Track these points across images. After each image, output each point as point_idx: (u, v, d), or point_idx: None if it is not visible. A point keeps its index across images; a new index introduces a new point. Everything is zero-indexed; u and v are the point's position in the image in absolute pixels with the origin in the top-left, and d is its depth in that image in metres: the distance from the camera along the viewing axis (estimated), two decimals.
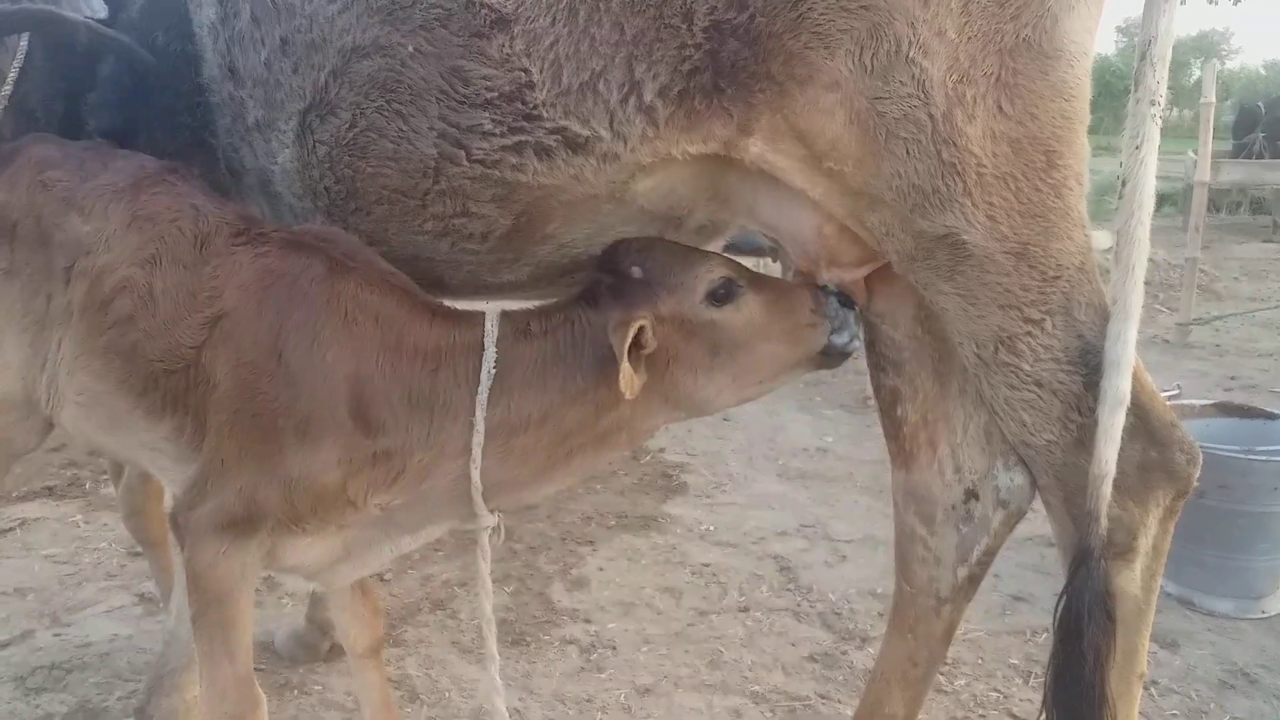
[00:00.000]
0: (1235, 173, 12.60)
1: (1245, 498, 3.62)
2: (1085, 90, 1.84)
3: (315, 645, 3.45)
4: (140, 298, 1.96)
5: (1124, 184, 1.89)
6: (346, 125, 2.02)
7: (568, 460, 2.01)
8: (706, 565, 4.13)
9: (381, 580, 4.00)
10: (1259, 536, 3.67)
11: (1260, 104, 14.59)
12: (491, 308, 2.04)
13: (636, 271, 1.98)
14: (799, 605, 3.79)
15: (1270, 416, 3.98)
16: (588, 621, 3.70)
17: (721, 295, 1.96)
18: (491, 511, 2.03)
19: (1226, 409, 4.11)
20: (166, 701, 2.74)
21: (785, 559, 4.19)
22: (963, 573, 2.24)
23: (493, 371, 1.92)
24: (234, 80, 2.22)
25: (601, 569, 4.14)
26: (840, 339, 2.05)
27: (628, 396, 1.80)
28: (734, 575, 4.04)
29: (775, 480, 5.17)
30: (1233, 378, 7.16)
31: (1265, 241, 14.24)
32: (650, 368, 1.91)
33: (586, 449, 2.01)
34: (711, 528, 4.54)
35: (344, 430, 1.87)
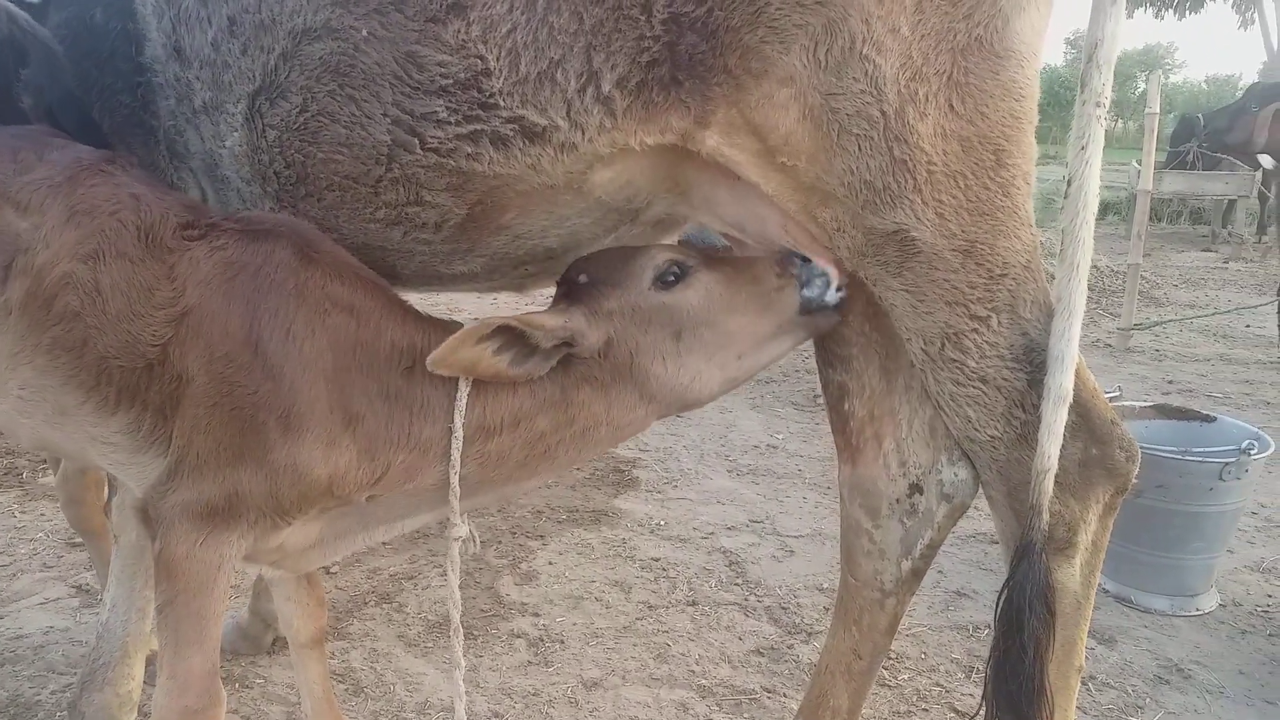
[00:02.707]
0: (1177, 183, 12.92)
1: (1181, 497, 3.71)
2: (1034, 91, 1.87)
3: (258, 638, 3.40)
4: (86, 293, 1.92)
5: (1070, 183, 1.92)
6: (297, 109, 1.99)
7: (549, 457, 2.02)
8: (656, 560, 4.15)
9: (327, 573, 3.96)
10: (1193, 535, 3.77)
11: (1200, 116, 14.94)
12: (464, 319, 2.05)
13: (583, 278, 2.00)
14: (746, 599, 3.82)
15: (1206, 419, 4.08)
16: (536, 615, 3.69)
17: (670, 279, 1.97)
18: (465, 515, 2.04)
19: (1165, 411, 4.21)
20: (99, 696, 2.68)
21: (734, 554, 4.22)
22: (906, 566, 2.27)
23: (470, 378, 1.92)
24: (180, 61, 2.17)
25: (551, 563, 4.13)
26: (811, 292, 2.02)
27: (429, 366, 1.83)
28: (683, 570, 4.06)
29: (726, 476, 5.20)
30: (1171, 381, 7.34)
31: (1204, 250, 14.62)
32: (613, 363, 1.95)
33: (567, 445, 2.01)
34: (662, 523, 4.55)
35: (327, 423, 1.86)
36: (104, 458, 2.06)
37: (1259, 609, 3.84)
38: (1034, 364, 1.97)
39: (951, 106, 1.82)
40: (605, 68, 1.85)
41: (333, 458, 1.87)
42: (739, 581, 3.96)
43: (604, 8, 1.81)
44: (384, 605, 3.77)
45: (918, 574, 2.29)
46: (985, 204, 1.88)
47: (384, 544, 4.25)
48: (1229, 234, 14.86)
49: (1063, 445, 1.94)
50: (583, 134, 1.92)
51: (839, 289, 2.03)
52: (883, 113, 1.81)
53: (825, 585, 3.91)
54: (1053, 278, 1.97)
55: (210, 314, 1.88)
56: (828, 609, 3.70)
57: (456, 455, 1.92)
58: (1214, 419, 4.07)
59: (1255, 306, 8.42)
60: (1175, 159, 14.34)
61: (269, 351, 1.85)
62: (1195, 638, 3.63)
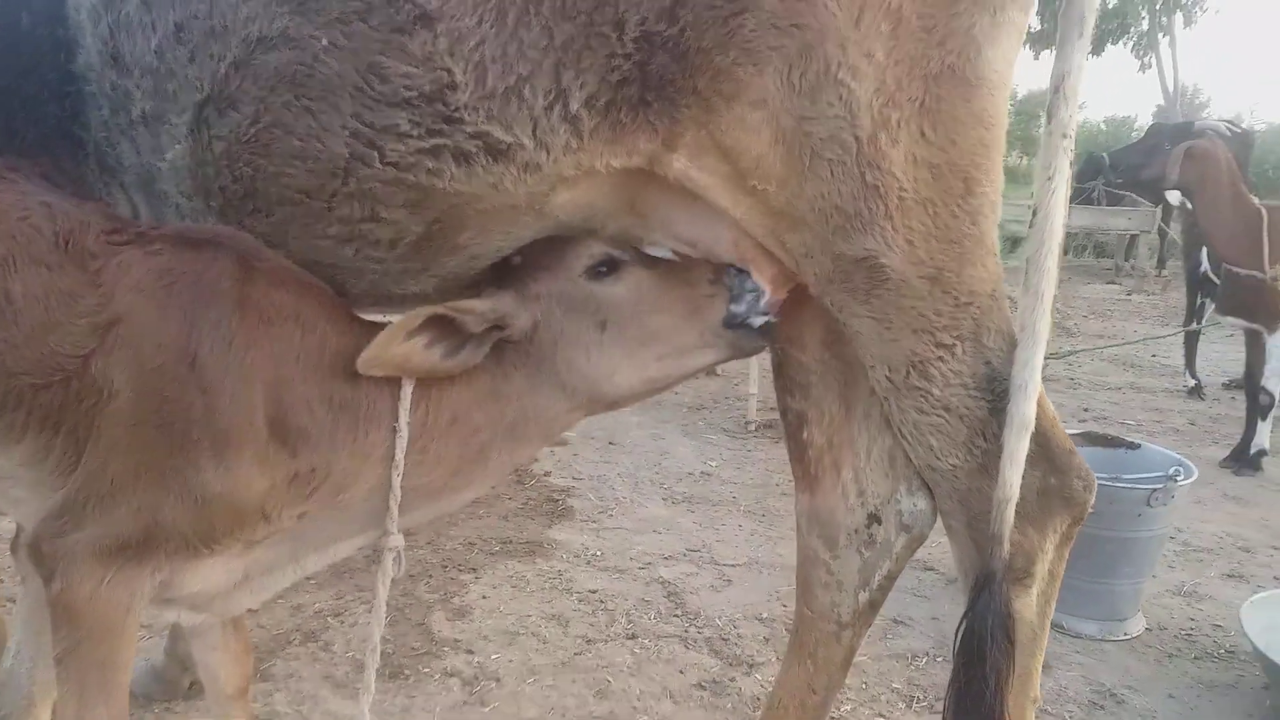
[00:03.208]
0: (1083, 218, 13.41)
1: (1111, 523, 3.78)
2: (1003, 120, 1.88)
3: (175, 681, 3.21)
4: None
5: (1035, 213, 1.94)
6: (249, 120, 1.88)
7: (482, 460, 1.97)
8: (593, 592, 4.06)
9: (249, 610, 3.77)
10: (1122, 560, 3.84)
11: (1104, 155, 15.59)
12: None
13: (516, 259, 1.99)
14: (686, 631, 3.76)
15: (1131, 446, 4.19)
16: (470, 652, 3.57)
17: (602, 270, 1.95)
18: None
19: (1091, 438, 4.30)
20: None
21: (672, 584, 4.16)
22: (864, 597, 2.25)
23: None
24: (117, 68, 2.05)
25: (485, 597, 4.02)
26: (739, 307, 1.99)
27: (360, 368, 1.77)
28: (621, 601, 3.98)
29: (661, 504, 5.15)
30: (1086, 409, 7.56)
31: (1108, 283, 15.24)
32: (537, 349, 1.92)
33: (499, 445, 1.96)
34: (598, 553, 4.47)
35: (263, 440, 1.74)
36: (2, 495, 1.90)
37: (1183, 632, 3.93)
38: (995, 393, 1.98)
39: (923, 133, 1.82)
40: (574, 86, 1.80)
41: (267, 474, 1.76)
42: (678, 613, 3.90)
43: (575, 24, 1.76)
44: (309, 644, 3.61)
45: (875, 606, 2.27)
46: (953, 231, 1.88)
47: (308, 580, 4.08)
48: (1131, 267, 15.50)
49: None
50: (548, 154, 1.86)
51: (765, 312, 2.01)
52: (856, 138, 1.79)
53: (764, 615, 3.88)
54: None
55: (143, 323, 1.75)
56: (768, 640, 3.68)
57: (400, 456, 1.84)
58: (1138, 446, 4.18)
59: (1161, 337, 8.76)
60: (1081, 195, 14.90)
61: (207, 365, 1.73)
62: (1125, 662, 3.70)
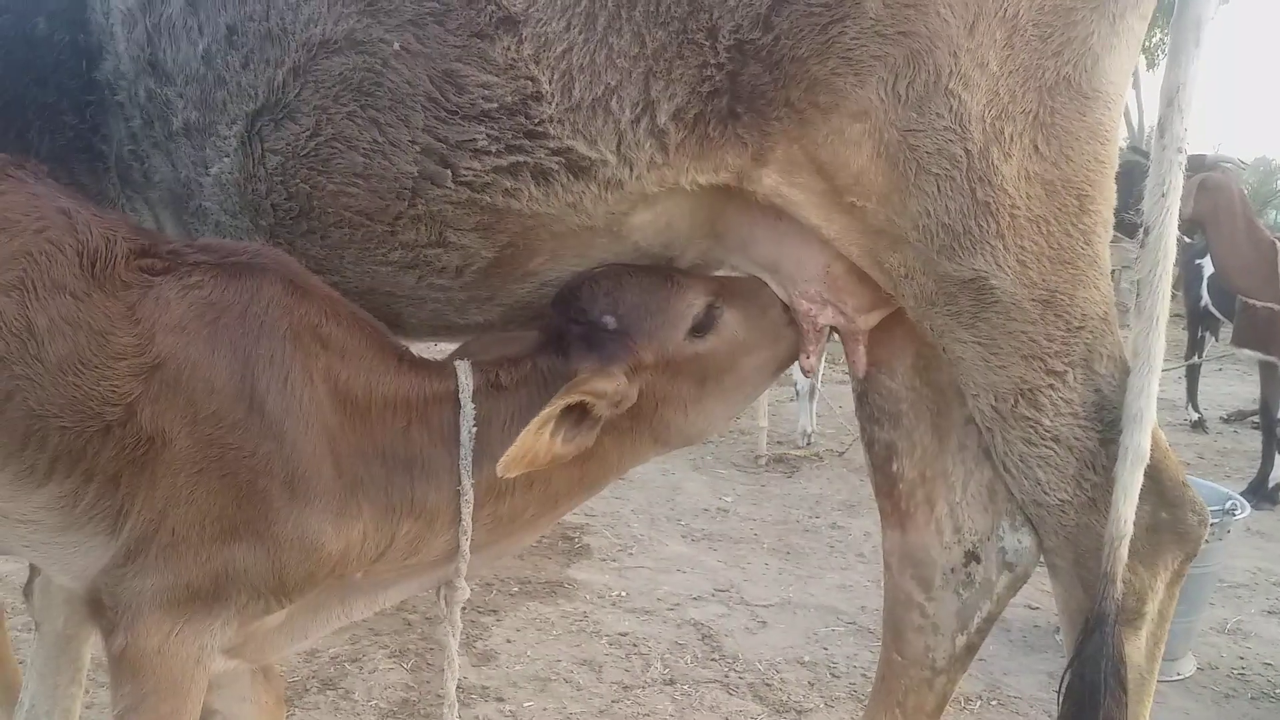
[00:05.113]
0: None
1: None
2: (1117, 134, 1.78)
3: None
4: (14, 335, 1.53)
5: (1147, 233, 1.82)
6: (307, 133, 1.74)
7: (555, 511, 1.90)
8: (624, 635, 3.89)
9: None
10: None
11: None
12: (460, 361, 1.82)
13: (609, 321, 1.80)
14: (726, 676, 3.59)
15: None
16: (500, 700, 3.39)
17: (703, 325, 1.84)
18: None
19: None
20: None
21: (705, 626, 4.00)
22: (961, 641, 2.10)
23: (474, 431, 1.71)
24: (156, 76, 1.91)
25: (510, 640, 3.84)
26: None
27: (502, 473, 1.59)
28: (654, 645, 3.81)
29: (681, 542, 4.99)
30: None
31: None
32: (636, 412, 1.80)
33: (574, 496, 1.89)
34: (623, 593, 4.30)
35: (335, 488, 1.59)
36: (19, 540, 1.70)
37: (1235, 672, 3.81)
38: (1105, 422, 1.85)
39: (1036, 148, 1.70)
40: (663, 97, 1.68)
41: (344, 529, 1.63)
42: (715, 657, 3.74)
43: (668, 31, 1.64)
44: (328, 692, 3.42)
45: (972, 650, 2.12)
46: (1067, 251, 1.76)
47: None
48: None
49: None
50: (631, 170, 1.74)
51: None
52: (966, 151, 1.68)
53: (806, 659, 3.72)
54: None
55: (191, 366, 1.58)
56: (813, 684, 3.52)
57: (468, 519, 1.73)
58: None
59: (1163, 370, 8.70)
60: None
61: (268, 406, 1.58)
62: (1182, 704, 3.56)
